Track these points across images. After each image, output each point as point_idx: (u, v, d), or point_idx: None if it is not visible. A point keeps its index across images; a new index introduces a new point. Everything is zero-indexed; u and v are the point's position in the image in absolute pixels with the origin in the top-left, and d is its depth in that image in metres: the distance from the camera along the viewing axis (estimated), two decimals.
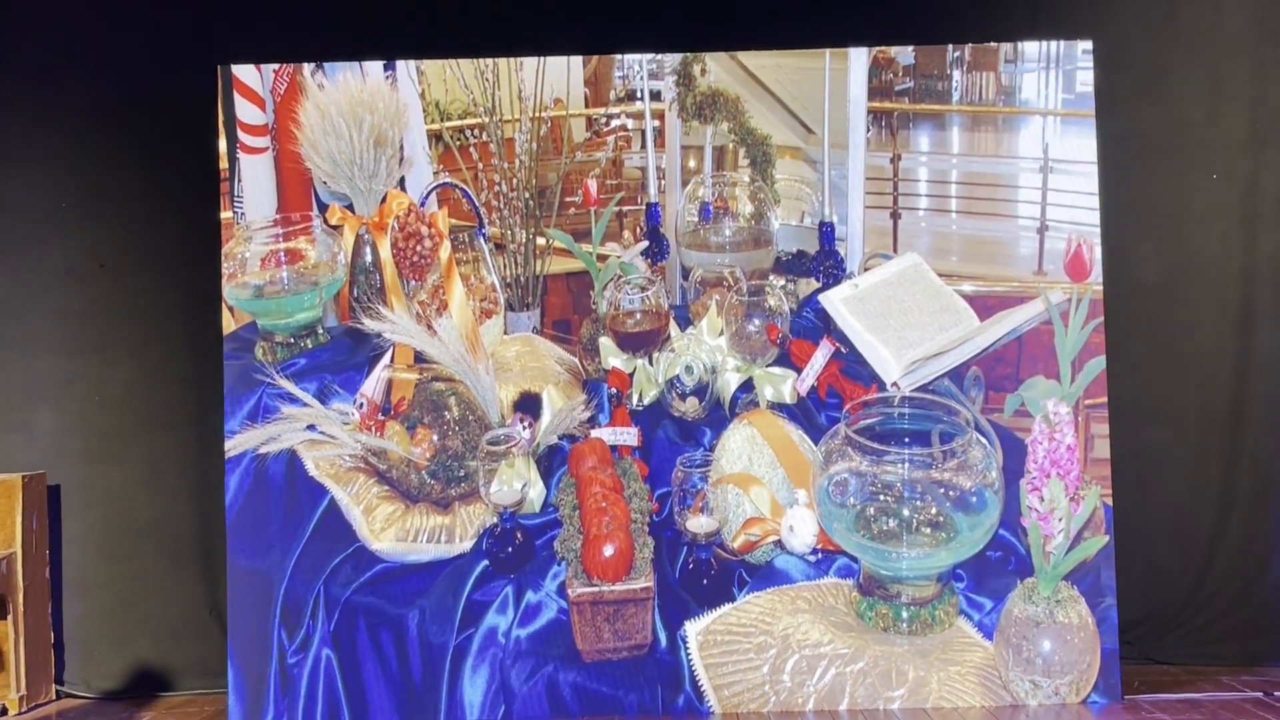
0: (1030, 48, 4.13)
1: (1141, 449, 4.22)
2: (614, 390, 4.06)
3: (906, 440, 3.74)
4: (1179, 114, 4.28)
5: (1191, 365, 4.30)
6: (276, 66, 4.12)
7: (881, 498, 3.69)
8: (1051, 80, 4.13)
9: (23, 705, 4.12)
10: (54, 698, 4.26)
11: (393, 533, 3.89)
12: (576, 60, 4.19)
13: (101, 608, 4.33)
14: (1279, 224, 4.25)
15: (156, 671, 4.30)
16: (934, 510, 3.67)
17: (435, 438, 3.93)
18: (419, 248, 4.04)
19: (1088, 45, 4.09)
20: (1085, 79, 4.09)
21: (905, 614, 3.75)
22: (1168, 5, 4.28)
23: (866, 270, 4.13)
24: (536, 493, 3.92)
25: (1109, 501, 3.90)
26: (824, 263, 4.16)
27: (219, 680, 4.01)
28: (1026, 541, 3.68)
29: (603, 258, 4.16)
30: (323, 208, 4.12)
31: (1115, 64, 4.18)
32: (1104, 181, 4.04)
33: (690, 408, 4.04)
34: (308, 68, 4.12)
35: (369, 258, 4.07)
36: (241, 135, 4.10)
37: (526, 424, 3.88)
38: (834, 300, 4.00)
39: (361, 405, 3.92)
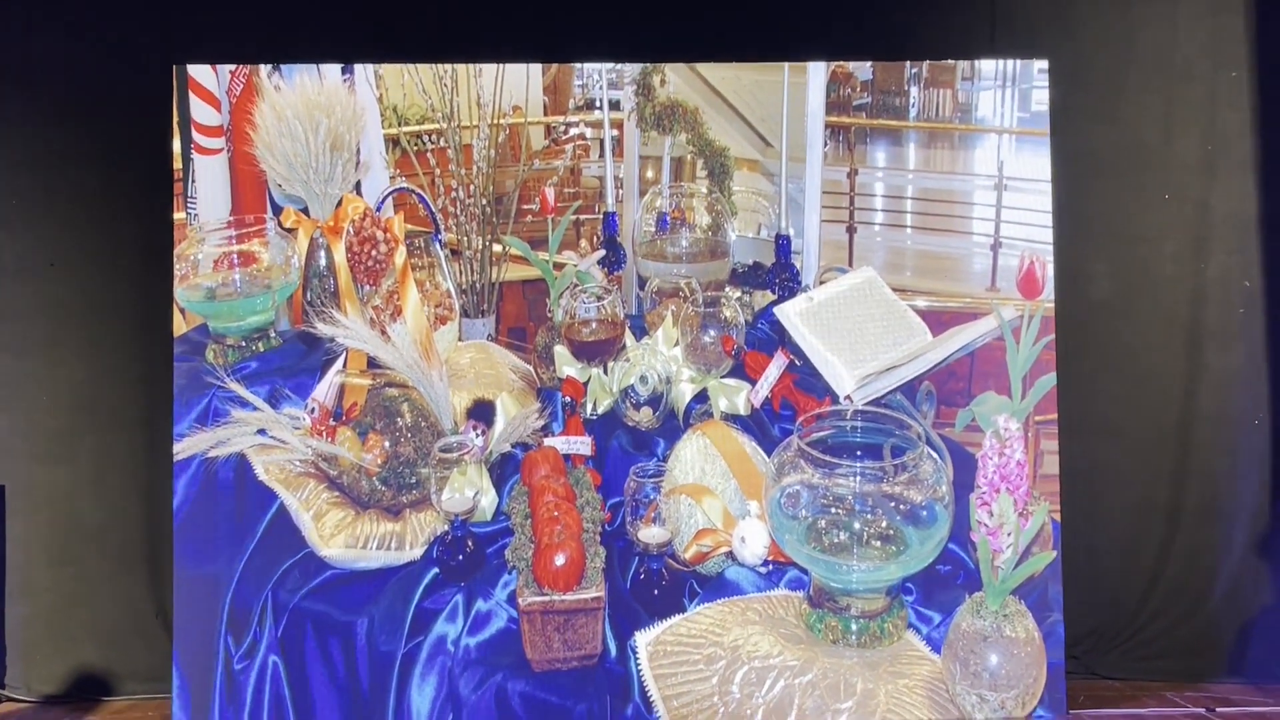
0: (987, 66, 4.17)
1: (1090, 465, 4.26)
2: (568, 399, 4.06)
3: (859, 453, 3.76)
4: (1133, 135, 4.33)
5: (1141, 383, 4.35)
6: (233, 67, 4.10)
7: (833, 510, 3.70)
8: (1008, 98, 4.17)
9: None
10: None
11: (342, 539, 3.87)
12: (536, 68, 4.19)
13: (46, 611, 4.28)
14: (1229, 245, 4.31)
15: (100, 676, 4.26)
16: (885, 524, 3.69)
17: (387, 444, 3.91)
18: (374, 252, 4.02)
19: (1044, 65, 4.13)
20: (1041, 98, 4.13)
21: (855, 626, 3.76)
22: (1125, 27, 4.33)
23: (822, 284, 4.15)
24: (488, 500, 3.91)
25: (1057, 517, 3.94)
26: (780, 275, 4.18)
27: (164, 685, 3.97)
28: (975, 556, 3.70)
29: (559, 266, 4.16)
30: (277, 210, 4.10)
31: (1072, 84, 4.22)
32: (1058, 200, 4.09)
33: (644, 418, 4.05)
34: (264, 69, 4.10)
35: (323, 262, 4.05)
36: (196, 136, 4.07)
37: (479, 431, 3.87)
38: (789, 313, 4.01)
39: (313, 410, 3.89)
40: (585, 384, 4.08)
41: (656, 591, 3.82)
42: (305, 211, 4.06)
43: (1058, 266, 4.04)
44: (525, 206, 4.20)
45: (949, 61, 4.18)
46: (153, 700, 4.15)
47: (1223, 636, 4.27)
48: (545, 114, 4.21)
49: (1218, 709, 3.91)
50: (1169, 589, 4.30)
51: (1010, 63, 4.16)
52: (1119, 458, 4.33)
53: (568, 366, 4.07)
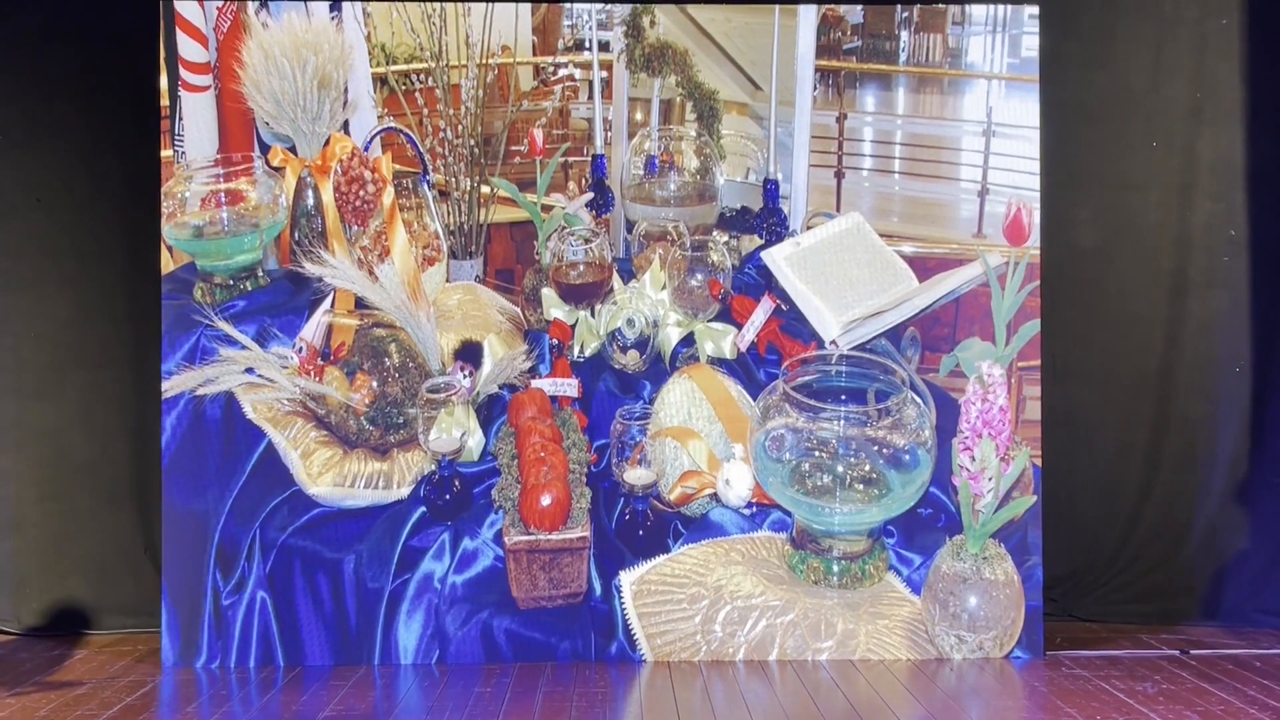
0: (978, 11, 4.16)
1: (1071, 411, 4.30)
2: (555, 341, 4.07)
3: (843, 398, 3.79)
4: (1121, 82, 4.33)
5: (1124, 330, 4.37)
6: (220, 3, 4.06)
7: (816, 454, 3.74)
8: (997, 44, 4.16)
9: None
10: None
11: (330, 477, 3.89)
12: (525, 8, 4.16)
13: (35, 545, 4.30)
14: (1214, 193, 4.32)
15: (89, 610, 4.29)
16: (867, 467, 3.73)
17: (375, 384, 3.92)
18: (362, 192, 4.01)
19: (1034, 10, 4.12)
20: (1031, 44, 4.12)
21: (836, 568, 3.81)
22: None
23: (809, 229, 4.16)
24: (475, 441, 3.93)
25: (1038, 462, 3.98)
26: (767, 220, 4.19)
27: (152, 620, 4.01)
28: (956, 500, 3.75)
29: (547, 208, 4.15)
30: (265, 149, 4.07)
31: (1061, 30, 4.21)
32: (1045, 147, 4.09)
33: (631, 360, 4.07)
34: (251, 5, 4.06)
35: (311, 201, 4.04)
36: (183, 72, 4.03)
37: (467, 372, 3.89)
38: (776, 258, 4.02)
39: (301, 349, 3.90)
40: (572, 326, 4.09)
41: (641, 532, 3.87)
42: (293, 150, 4.04)
43: (1044, 213, 4.06)
44: (514, 148, 4.19)
45: (940, 5, 4.16)
46: (140, 634, 4.18)
47: (1198, 581, 4.33)
48: (534, 54, 4.19)
49: (1192, 651, 3.97)
50: (1147, 534, 4.35)
51: (1001, 8, 4.15)
52: (1100, 403, 4.36)
53: (555, 309, 4.08)
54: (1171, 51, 4.31)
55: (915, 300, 3.98)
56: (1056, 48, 4.17)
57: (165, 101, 4.06)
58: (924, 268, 4.10)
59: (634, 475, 3.83)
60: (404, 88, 4.15)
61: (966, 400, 3.61)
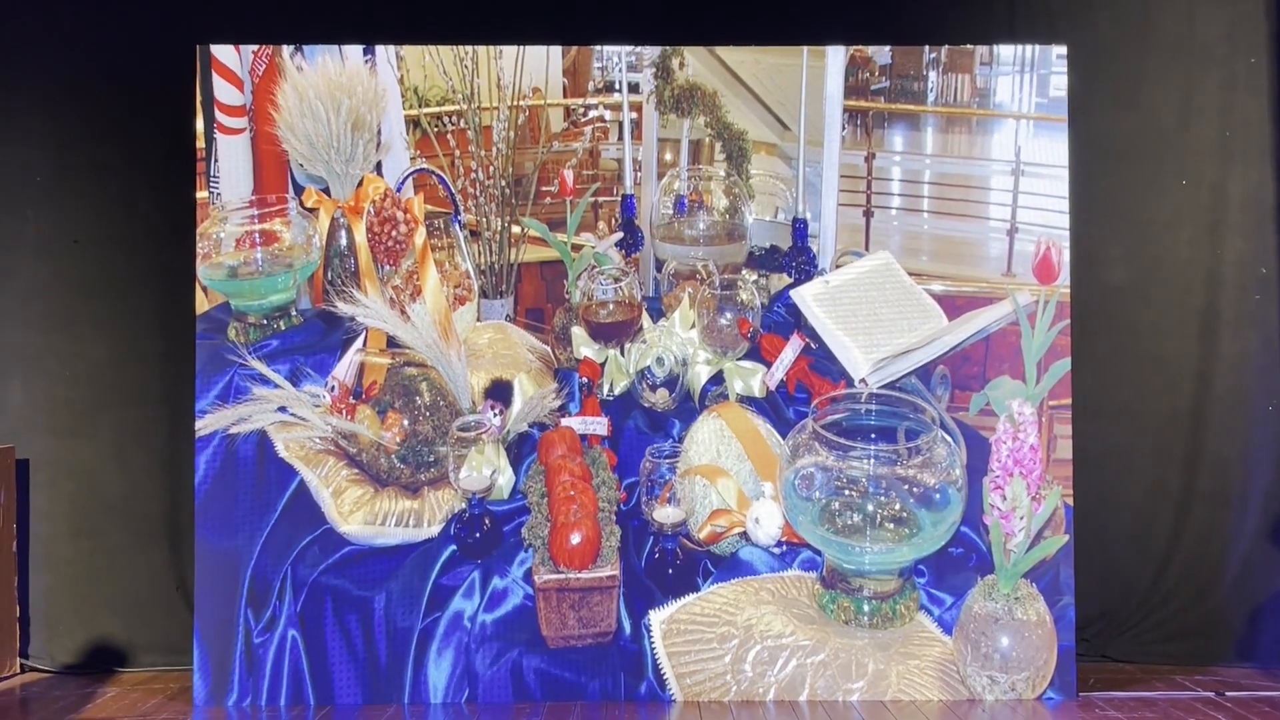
0: (1006, 51, 4.17)
1: (1103, 450, 4.28)
2: (585, 379, 4.09)
3: (873, 436, 3.78)
4: (1150, 120, 4.34)
5: (1155, 368, 4.36)
6: (255, 47, 4.12)
7: (846, 493, 3.73)
8: (1026, 84, 4.17)
9: None
10: (18, 671, 4.26)
11: (361, 516, 3.91)
12: (556, 50, 4.20)
13: (68, 582, 4.33)
14: (1244, 231, 4.32)
15: (121, 647, 4.31)
16: (898, 506, 3.72)
17: (406, 422, 3.94)
18: (394, 233, 4.05)
19: (1062, 50, 4.13)
20: (1059, 84, 4.13)
21: (867, 607, 3.80)
22: (1143, 13, 4.33)
23: (838, 267, 4.17)
24: (505, 479, 3.95)
25: (1069, 501, 3.96)
26: (796, 259, 4.20)
27: (183, 658, 4.03)
28: (988, 539, 3.73)
29: (577, 247, 4.18)
30: (299, 190, 4.12)
31: (1090, 69, 4.22)
32: (1074, 185, 4.10)
33: (660, 399, 4.08)
34: (286, 49, 4.12)
35: (344, 241, 4.08)
36: (219, 115, 4.09)
37: (497, 411, 3.90)
38: (805, 296, 4.03)
39: (333, 388, 3.93)
40: (602, 365, 4.10)
41: (671, 570, 3.86)
42: (326, 191, 4.09)
43: (1074, 251, 4.05)
44: (544, 188, 4.22)
45: (968, 46, 4.18)
46: (172, 672, 4.19)
47: (1233, 621, 4.29)
48: (565, 96, 4.23)
49: (1227, 693, 3.93)
50: (1180, 573, 4.32)
51: (1029, 48, 4.16)
52: (1132, 442, 4.34)
53: (585, 347, 4.10)
54: (1201, 90, 4.31)
55: (944, 339, 3.98)
56: (1085, 87, 4.19)
57: (201, 144, 4.11)
58: (953, 306, 4.10)
59: (663, 513, 3.84)
60: (436, 129, 4.20)
61: (997, 439, 3.61)
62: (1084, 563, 4.03)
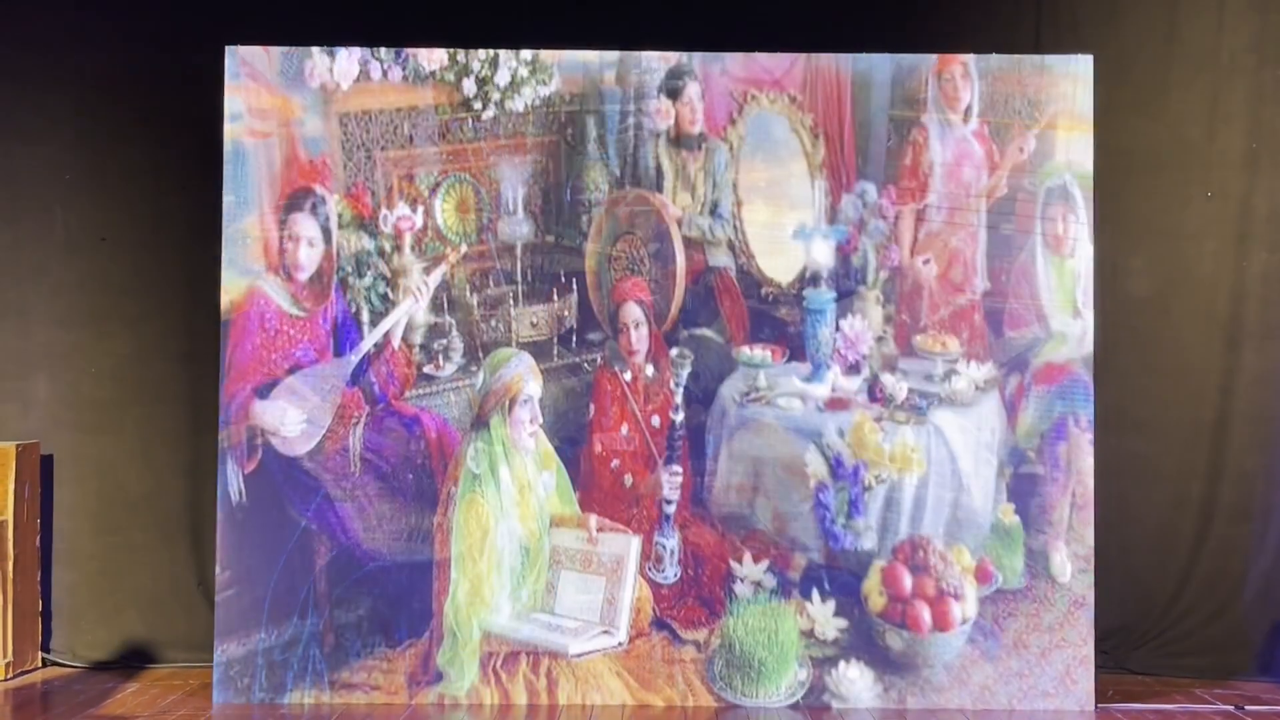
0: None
1: (1125, 462, 4.25)
2: None
3: None
4: (1177, 131, 4.32)
5: (1178, 380, 4.33)
6: (284, 50, 4.10)
7: None
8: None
9: (8, 672, 4.15)
10: (40, 665, 4.30)
11: (388, 530, 3.92)
12: None
13: (90, 578, 4.36)
14: (1270, 243, 4.29)
15: (143, 643, 4.33)
16: None
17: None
18: None
19: (1089, 60, 4.10)
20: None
21: None
22: (1169, 24, 4.31)
23: None
24: None
25: (1089, 513, 3.93)
26: None
27: (205, 654, 4.04)
28: None
29: None
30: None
31: (1115, 80, 4.21)
32: (1099, 195, 4.06)
33: None
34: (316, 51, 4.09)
35: None
36: (248, 119, 4.07)
37: None
38: None
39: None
40: None
41: None
42: None
43: (1097, 262, 4.03)
44: None
45: (993, 56, 4.15)
46: (193, 668, 4.20)
47: (1253, 635, 4.27)
48: None
49: (1247, 707, 3.91)
50: (1201, 586, 4.29)
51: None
52: (1154, 454, 4.31)
53: None
54: (1227, 101, 4.30)
55: None
56: (1111, 97, 4.16)
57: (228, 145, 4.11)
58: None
59: None
60: None
61: None
62: (1105, 574, 4.01)
